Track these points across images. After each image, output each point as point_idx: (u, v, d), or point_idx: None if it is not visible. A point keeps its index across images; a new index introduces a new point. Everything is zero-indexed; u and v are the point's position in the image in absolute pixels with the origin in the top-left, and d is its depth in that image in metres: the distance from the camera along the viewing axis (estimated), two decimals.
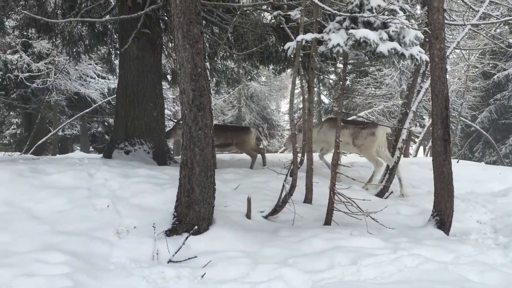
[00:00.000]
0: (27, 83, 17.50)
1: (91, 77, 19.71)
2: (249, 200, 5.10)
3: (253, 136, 9.37)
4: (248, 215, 5.14)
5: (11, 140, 27.56)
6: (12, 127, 27.70)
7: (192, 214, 4.46)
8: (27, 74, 17.31)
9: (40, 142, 14.92)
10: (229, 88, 19.35)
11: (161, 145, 9.74)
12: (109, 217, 4.73)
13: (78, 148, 29.99)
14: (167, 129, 9.12)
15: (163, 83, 11.76)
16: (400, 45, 4.67)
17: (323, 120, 8.45)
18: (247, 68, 13.40)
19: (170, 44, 12.60)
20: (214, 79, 13.13)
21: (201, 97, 4.36)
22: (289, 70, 13.50)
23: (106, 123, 25.16)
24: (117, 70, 12.54)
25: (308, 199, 5.97)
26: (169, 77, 13.84)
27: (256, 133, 9.50)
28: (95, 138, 28.09)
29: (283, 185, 5.26)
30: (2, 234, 4.13)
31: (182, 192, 4.51)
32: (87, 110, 17.77)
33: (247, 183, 6.38)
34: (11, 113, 26.17)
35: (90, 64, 18.03)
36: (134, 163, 7.24)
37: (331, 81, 22.38)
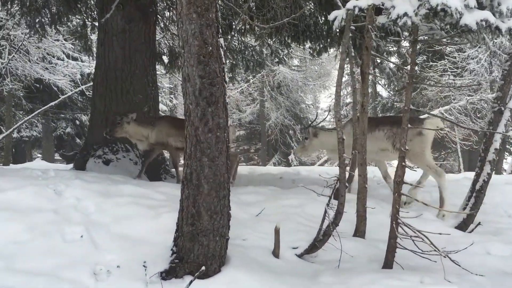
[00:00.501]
0: None
1: (59, 58, 20.05)
2: (277, 231, 5.10)
3: (231, 133, 9.38)
4: (275, 253, 5.14)
5: None
6: None
7: (198, 249, 4.48)
8: None
9: None
10: (248, 74, 19.47)
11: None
12: (83, 251, 4.77)
13: (39, 155, 30.44)
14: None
15: (157, 66, 11.94)
16: (494, 15, 4.62)
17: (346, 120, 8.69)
18: (273, 46, 13.46)
19: (168, 13, 12.76)
20: (228, 61, 13.23)
21: (212, 87, 4.40)
22: (332, 50, 13.54)
23: (77, 122, 25.57)
24: (95, 49, 12.75)
25: (359, 231, 5.94)
26: (165, 58, 14.00)
27: (235, 130, 9.49)
28: (62, 142, 28.45)
29: (325, 211, 5.24)
30: None
31: (184, 218, 4.54)
32: (52, 104, 18.01)
33: (274, 208, 6.39)
34: None
35: (58, 40, 18.36)
36: (117, 177, 7.34)
37: (391, 65, 22.27)
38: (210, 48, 4.36)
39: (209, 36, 4.36)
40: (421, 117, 8.07)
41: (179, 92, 29.33)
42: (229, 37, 10.01)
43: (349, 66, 6.32)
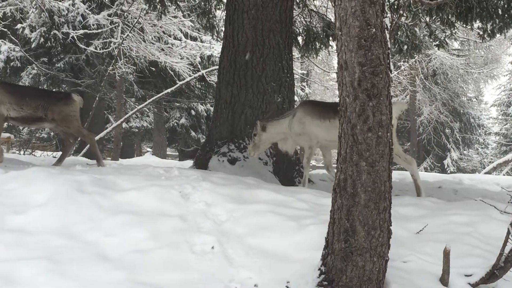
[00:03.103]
0: (80, 45, 18.86)
1: (175, 38, 20.62)
2: (446, 254, 4.99)
3: (78, 106, 9.49)
4: (444, 279, 5.03)
5: (51, 134, 30.04)
6: None
7: (352, 271, 4.46)
8: (81, 31, 18.71)
9: (97, 137, 15.94)
10: (400, 59, 19.18)
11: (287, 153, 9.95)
12: (215, 265, 4.91)
13: (149, 149, 31.66)
14: None
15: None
16: None
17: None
18: (433, 26, 13.17)
19: None
20: None
21: (374, 76, 4.36)
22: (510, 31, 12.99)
23: (193, 112, 26.22)
24: (218, 27, 13.08)
25: None
26: (300, 39, 14.13)
27: (81, 102, 9.39)
28: (174, 134, 29.31)
29: (509, 233, 5.07)
30: (58, 281, 4.50)
31: (335, 233, 4.54)
32: (168, 90, 18.53)
33: (439, 224, 6.25)
34: (53, 90, 28.18)
35: (175, 17, 18.85)
36: (248, 179, 7.48)
37: None
38: (373, 29, 4.32)
39: (372, 15, 4.32)
40: None
41: (313, 79, 29.45)
42: (388, 15, 9.86)
43: None
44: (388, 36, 4.45)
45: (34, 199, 5.82)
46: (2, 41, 21.34)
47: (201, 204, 5.96)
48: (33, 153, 19.73)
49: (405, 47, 13.40)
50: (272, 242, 5.29)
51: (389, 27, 4.53)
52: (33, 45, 20.69)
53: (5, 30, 20.65)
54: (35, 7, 19.13)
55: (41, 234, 5.20)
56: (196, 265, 4.92)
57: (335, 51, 4.61)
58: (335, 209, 4.56)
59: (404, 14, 11.41)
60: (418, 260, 5.31)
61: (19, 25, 20.84)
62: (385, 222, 4.52)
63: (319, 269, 4.66)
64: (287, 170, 9.89)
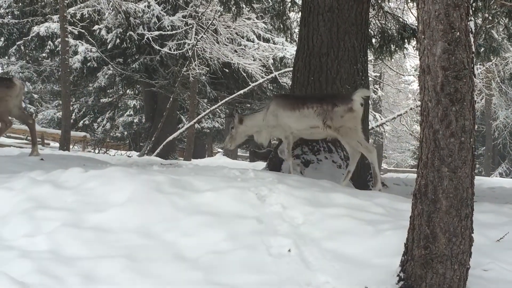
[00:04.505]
0: (155, 47, 19.19)
1: (248, 39, 20.72)
2: None
3: (19, 91, 9.46)
4: None
5: (125, 133, 30.56)
6: (127, 113, 30.65)
7: (432, 278, 4.39)
8: (156, 32, 19.04)
9: (171, 137, 16.20)
10: (477, 62, 18.79)
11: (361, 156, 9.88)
12: (292, 268, 4.89)
13: (220, 150, 31.88)
14: None
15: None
16: None
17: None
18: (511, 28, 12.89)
19: None
20: None
21: (458, 81, 4.29)
22: None
23: None
24: (292, 30, 13.10)
25: None
26: (374, 41, 14.01)
27: (23, 87, 9.31)
28: None
29: None
30: (137, 279, 4.59)
31: (415, 239, 4.48)
32: (240, 92, 18.63)
33: None
34: (128, 91, 28.91)
35: (249, 19, 18.91)
36: (323, 182, 7.44)
37: None
38: (458, 33, 4.26)
39: (456, 18, 4.26)
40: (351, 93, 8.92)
41: (385, 82, 29.18)
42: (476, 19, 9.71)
43: None
44: (472, 40, 4.38)
45: (113, 198, 5.95)
46: (79, 42, 22.02)
47: (277, 206, 5.96)
48: (107, 152, 20.19)
49: (482, 49, 13.15)
50: (349, 246, 5.25)
51: (473, 31, 4.45)
52: (109, 46, 21.26)
53: (83, 31, 21.28)
54: (111, 9, 19.61)
55: (120, 232, 5.31)
56: (273, 267, 4.92)
57: (410, 54, 4.58)
58: (415, 215, 4.51)
59: (490, 17, 11.19)
60: (499, 269, 5.19)
61: (96, 27, 21.46)
62: (467, 230, 4.45)
63: (398, 275, 4.61)
64: (361, 173, 9.81)
